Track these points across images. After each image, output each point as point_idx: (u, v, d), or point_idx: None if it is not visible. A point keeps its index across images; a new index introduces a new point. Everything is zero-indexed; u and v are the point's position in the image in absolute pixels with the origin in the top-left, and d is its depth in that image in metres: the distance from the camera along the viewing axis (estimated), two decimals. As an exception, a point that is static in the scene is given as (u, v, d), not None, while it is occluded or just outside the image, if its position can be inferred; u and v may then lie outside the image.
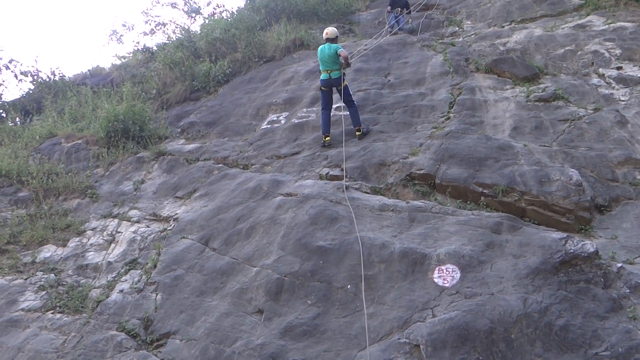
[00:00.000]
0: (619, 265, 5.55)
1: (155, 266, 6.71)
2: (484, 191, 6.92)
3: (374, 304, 5.58)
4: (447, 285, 5.55)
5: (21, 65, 14.73)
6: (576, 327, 4.98)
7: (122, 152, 9.82)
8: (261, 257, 6.44)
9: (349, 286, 5.78)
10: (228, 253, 6.71)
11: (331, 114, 9.01)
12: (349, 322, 5.45)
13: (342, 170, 7.92)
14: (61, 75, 14.64)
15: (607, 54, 9.81)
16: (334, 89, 8.94)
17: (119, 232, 7.63)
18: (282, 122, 10.19)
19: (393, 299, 5.55)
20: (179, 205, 8.11)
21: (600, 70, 9.52)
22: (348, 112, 8.96)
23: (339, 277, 5.91)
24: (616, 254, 5.84)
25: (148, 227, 7.64)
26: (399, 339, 5.11)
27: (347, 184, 7.41)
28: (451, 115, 8.87)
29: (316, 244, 6.30)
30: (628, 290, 5.29)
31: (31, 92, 14.03)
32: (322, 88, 8.96)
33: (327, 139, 8.80)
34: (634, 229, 6.29)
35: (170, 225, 7.57)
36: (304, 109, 10.36)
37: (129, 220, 7.89)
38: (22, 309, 6.34)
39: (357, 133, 8.76)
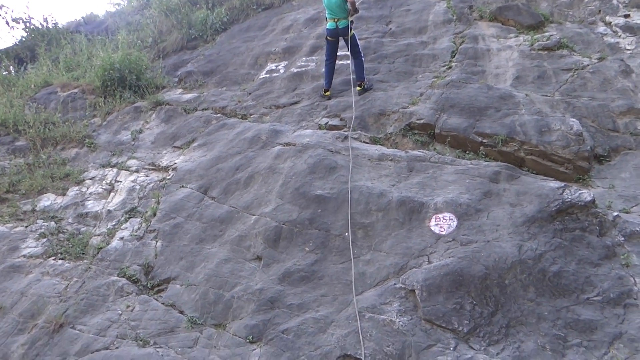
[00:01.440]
0: (615, 214, 5.58)
1: (154, 214, 6.76)
2: (484, 141, 6.87)
3: (371, 251, 5.65)
4: (443, 233, 5.60)
5: (12, 11, 14.35)
6: (569, 273, 5.06)
7: (119, 102, 9.71)
8: (260, 205, 6.48)
9: (346, 234, 5.83)
10: (227, 202, 6.75)
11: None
12: (346, 268, 5.54)
13: (341, 120, 7.86)
14: (54, 22, 14.30)
15: (614, 1, 9.53)
16: (341, 39, 8.44)
17: (118, 182, 7.65)
18: (281, 71, 10.02)
19: (390, 247, 5.61)
20: (177, 154, 8.09)
21: (607, 18, 9.27)
22: (353, 63, 8.50)
23: (336, 225, 5.96)
24: (613, 203, 5.87)
25: (147, 176, 7.65)
26: (394, 284, 5.20)
27: (347, 133, 7.36)
28: (453, 64, 8.70)
29: (314, 192, 6.32)
30: (622, 238, 5.34)
31: (24, 40, 13.72)
32: (327, 38, 8.42)
33: (327, 93, 8.49)
34: (632, 179, 6.29)
35: (169, 175, 7.58)
36: (304, 58, 10.16)
37: (128, 170, 7.90)
38: (24, 255, 6.43)
39: (358, 88, 8.37)
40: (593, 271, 5.09)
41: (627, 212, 5.76)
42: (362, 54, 8.53)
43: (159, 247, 6.26)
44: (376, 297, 5.12)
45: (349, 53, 8.55)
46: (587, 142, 6.59)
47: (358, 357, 4.63)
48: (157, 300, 5.59)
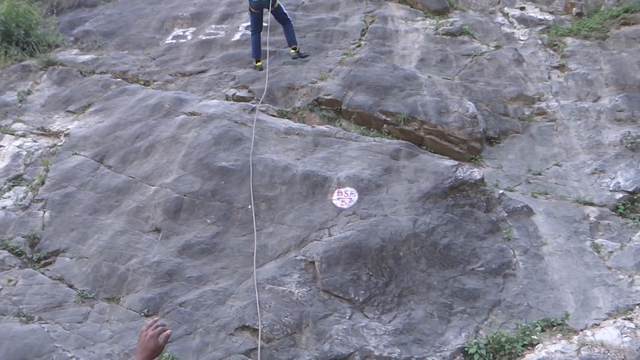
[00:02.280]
0: (501, 192, 6.03)
1: (43, 183, 6.27)
2: (387, 119, 7.09)
3: (274, 224, 5.67)
4: (345, 207, 5.74)
5: None
6: (458, 246, 5.42)
7: (3, 59, 8.81)
8: (160, 176, 6.23)
9: (249, 206, 5.79)
10: (125, 171, 6.42)
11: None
12: (248, 240, 5.51)
13: (249, 91, 7.73)
14: None
15: (512, -6, 10.13)
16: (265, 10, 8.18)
17: (1, 146, 6.98)
18: (189, 37, 9.60)
19: (292, 219, 5.66)
20: (70, 120, 7.53)
21: (505, 9, 9.85)
22: (284, 30, 8.41)
23: (240, 197, 5.90)
24: (499, 182, 6.33)
25: (35, 141, 7.06)
26: (295, 256, 5.27)
27: (255, 105, 7.25)
28: (362, 42, 8.83)
29: (218, 164, 6.19)
30: (506, 214, 5.79)
31: None
32: (251, 10, 8.12)
33: (258, 64, 8.23)
34: (517, 160, 6.81)
35: (61, 141, 7.04)
36: (213, 26, 9.81)
37: (13, 134, 7.23)
38: None
39: (292, 51, 8.32)
40: (479, 244, 5.49)
41: (511, 191, 6.25)
42: (290, 18, 8.49)
43: (47, 217, 5.83)
44: (277, 269, 5.16)
45: (266, 25, 8.41)
46: (481, 125, 7.02)
47: (256, 327, 4.67)
48: (43, 274, 5.22)
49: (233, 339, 4.64)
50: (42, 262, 5.39)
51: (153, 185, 6.11)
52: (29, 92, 8.08)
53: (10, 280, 5.07)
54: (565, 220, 5.76)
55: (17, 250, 5.44)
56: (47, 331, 4.61)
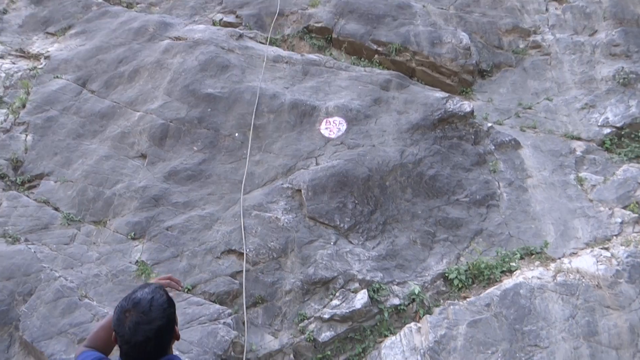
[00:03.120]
0: (489, 125, 6.01)
1: (24, 106, 6.12)
2: (379, 49, 6.91)
3: (261, 152, 5.63)
4: (332, 136, 5.69)
5: None
6: (444, 177, 5.45)
7: (-23, -25, 8.33)
8: (145, 101, 6.10)
9: (236, 134, 5.73)
10: (108, 96, 6.26)
11: None
12: (235, 168, 5.49)
13: (237, 17, 7.45)
14: None
15: None
16: None
17: (-21, 68, 6.74)
18: (174, -42, 9.10)
19: (280, 148, 5.62)
20: (50, 42, 7.25)
21: (506, -64, 9.41)
22: None
23: (227, 125, 5.82)
24: (489, 115, 6.30)
25: (14, 63, 6.82)
26: (282, 184, 5.28)
27: (242, 32, 7.01)
28: (355, -32, 8.44)
29: (205, 91, 6.05)
30: (493, 147, 5.80)
31: None
32: None
33: None
34: (508, 94, 6.74)
35: (41, 64, 6.81)
36: (199, -54, 9.28)
37: (-9, 56, 6.97)
38: None
39: None
40: (464, 176, 5.52)
41: (500, 124, 6.23)
42: None
43: (29, 141, 5.73)
44: (263, 196, 5.18)
45: None
46: (474, 57, 6.88)
47: (242, 251, 4.74)
48: (28, 197, 5.20)
49: (219, 261, 4.72)
50: (26, 185, 5.35)
51: (138, 111, 5.99)
52: (5, 11, 7.70)
53: (-6, 203, 5.05)
54: (552, 154, 5.79)
55: (0, 172, 5.37)
56: (34, 252, 4.64)
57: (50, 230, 4.90)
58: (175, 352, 2.03)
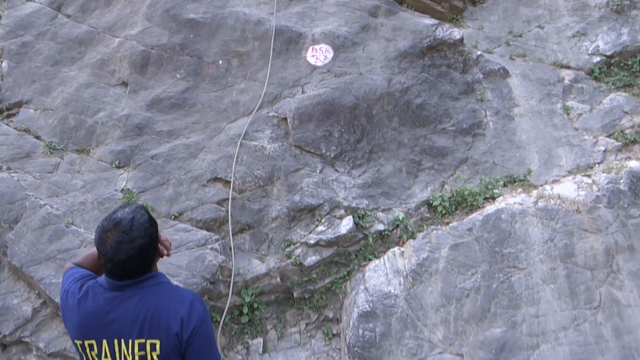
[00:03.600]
0: (479, 53, 5.90)
1: (-3, 31, 5.87)
2: (367, -27, 6.63)
3: (246, 80, 5.51)
4: (319, 64, 5.57)
5: None
6: (431, 105, 5.40)
7: None
8: (124, 27, 5.87)
9: (220, 62, 5.58)
10: (85, 21, 6.01)
11: None
12: (219, 96, 5.39)
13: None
14: None
15: None
16: None
17: (-53, -9, 6.39)
18: None
19: (265, 76, 5.50)
20: (22, -37, 6.85)
21: None
22: None
23: (210, 52, 5.64)
24: (478, 43, 6.17)
25: (-16, -14, 6.47)
26: (268, 112, 5.21)
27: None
28: None
29: (187, 16, 5.82)
30: (482, 76, 5.73)
31: None
32: None
33: None
34: (499, 22, 6.58)
35: (13, -14, 6.47)
36: None
37: (-41, -22, 6.58)
38: None
39: None
40: (452, 104, 5.48)
41: (489, 52, 6.12)
42: None
43: (5, 67, 5.53)
44: (249, 125, 5.12)
45: None
46: (465, -18, 6.65)
47: (228, 179, 4.74)
48: (7, 125, 5.09)
49: (206, 189, 4.73)
50: (5, 113, 5.22)
51: (117, 37, 5.77)
52: None
53: (-26, 131, 4.95)
54: (540, 83, 5.74)
55: (-23, 100, 5.23)
56: (17, 180, 4.60)
57: (32, 158, 4.84)
58: (161, 271, 2.06)
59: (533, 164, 5.02)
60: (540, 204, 4.37)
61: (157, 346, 1.82)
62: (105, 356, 1.86)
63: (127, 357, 1.83)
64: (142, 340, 1.82)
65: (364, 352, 3.70)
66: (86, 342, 1.87)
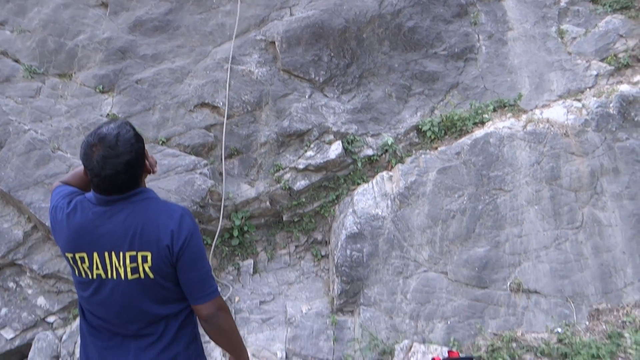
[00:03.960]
0: (474, -27, 5.67)
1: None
2: None
3: (232, 2, 5.30)
4: (308, -16, 5.33)
5: None
6: (423, 29, 5.25)
7: None
8: (101, -57, 5.54)
9: (204, -19, 5.32)
10: (60, -63, 5.65)
11: None
12: (205, 19, 5.20)
13: None
14: None
15: None
16: None
17: None
18: None
19: (251, -3, 5.29)
20: None
21: None
22: None
23: (193, -30, 5.37)
24: (474, -37, 5.92)
25: None
26: (255, 35, 5.05)
27: None
28: None
29: None
30: (476, -3, 5.54)
31: None
32: None
33: None
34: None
35: None
36: None
37: None
38: None
39: None
40: (444, 28, 5.33)
41: (485, -27, 5.88)
42: None
43: (-23, -13, 5.25)
44: (236, 49, 4.98)
45: None
46: None
47: (216, 104, 4.67)
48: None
49: (193, 115, 4.66)
50: (-19, 35, 5.02)
51: (94, -46, 5.46)
52: None
53: (-51, 55, 4.76)
54: (535, 5, 5.57)
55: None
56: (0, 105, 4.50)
57: (12, 83, 4.70)
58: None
59: (524, 88, 4.97)
60: (529, 127, 4.37)
61: (149, 258, 1.84)
62: (97, 268, 1.88)
63: (119, 268, 1.86)
64: (133, 253, 1.84)
65: (352, 271, 3.81)
66: (77, 255, 1.89)
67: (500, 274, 3.74)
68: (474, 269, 3.75)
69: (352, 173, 4.51)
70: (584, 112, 4.44)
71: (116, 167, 1.79)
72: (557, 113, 4.47)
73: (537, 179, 4.06)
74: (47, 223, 3.87)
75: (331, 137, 4.60)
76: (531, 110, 4.71)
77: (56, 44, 4.95)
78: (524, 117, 4.60)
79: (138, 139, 1.88)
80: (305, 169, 4.44)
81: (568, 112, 4.46)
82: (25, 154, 4.28)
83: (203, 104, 4.71)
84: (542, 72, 5.07)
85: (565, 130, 4.30)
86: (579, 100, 4.64)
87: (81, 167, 2.23)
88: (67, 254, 1.92)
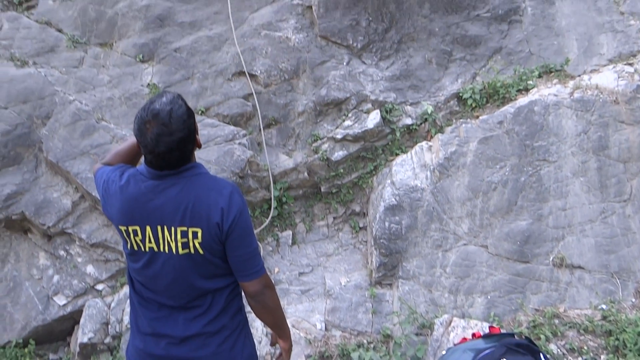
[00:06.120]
0: None
1: None
2: None
3: (268, -35, 5.18)
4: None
5: None
6: (465, -11, 5.04)
7: None
8: None
9: (240, -56, 5.21)
10: None
11: None
12: (241, -17, 5.12)
13: None
14: None
15: None
16: None
17: None
18: None
19: (288, -41, 5.15)
20: None
21: None
22: None
23: None
24: None
25: None
26: (292, 0, 4.95)
27: None
28: None
29: None
30: (522, -46, 5.24)
31: None
32: None
33: None
34: None
35: None
36: None
37: None
38: None
39: None
40: (488, -12, 5.10)
41: None
42: None
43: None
44: (272, 14, 4.91)
45: None
46: None
47: (253, 73, 4.65)
48: (28, 17, 4.98)
49: (231, 84, 4.67)
50: (24, 4, 5.07)
51: None
52: None
53: (-5, 25, 4.86)
54: (587, -39, 5.25)
55: (-5, -7, 5.08)
56: (45, 75, 4.60)
57: (56, 53, 4.79)
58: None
59: (572, 52, 4.75)
60: (576, 94, 4.20)
61: (199, 234, 1.89)
62: (150, 241, 1.94)
63: (170, 242, 1.92)
64: (185, 228, 1.89)
65: (390, 244, 3.84)
66: (130, 228, 1.95)
67: (542, 248, 3.69)
68: (516, 243, 3.71)
69: (390, 143, 4.47)
70: (636, 77, 4.23)
71: (169, 144, 1.83)
72: (607, 79, 4.27)
73: (583, 150, 3.93)
74: (94, 193, 4.01)
75: (369, 105, 4.55)
76: (579, 75, 4.52)
77: (97, 12, 4.98)
78: (571, 83, 4.42)
79: (190, 115, 1.90)
80: (343, 139, 4.42)
81: (619, 77, 4.25)
82: (71, 124, 4.40)
83: (241, 73, 4.70)
84: (591, 34, 4.82)
85: (615, 97, 4.11)
86: (631, 65, 4.42)
87: (121, 146, 2.29)
88: (120, 227, 1.99)
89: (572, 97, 4.15)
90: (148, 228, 1.92)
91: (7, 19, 4.89)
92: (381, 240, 3.85)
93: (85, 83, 4.64)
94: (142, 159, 2.01)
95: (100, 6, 5.01)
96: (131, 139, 2.23)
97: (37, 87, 4.53)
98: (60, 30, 4.91)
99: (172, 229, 1.90)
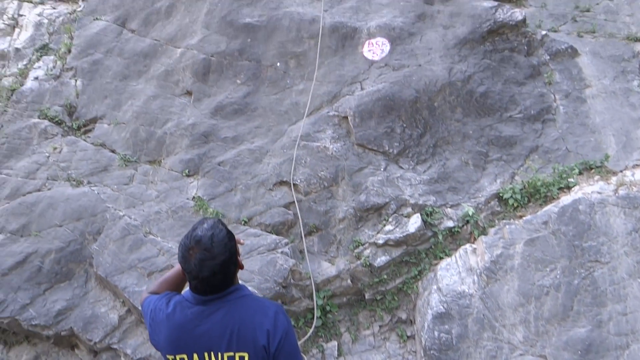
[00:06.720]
0: (543, 33, 5.62)
1: (69, 51, 6.19)
2: (421, -41, 6.44)
3: (304, 81, 5.54)
4: (376, 58, 5.50)
5: None
6: (495, 93, 5.22)
7: None
8: (185, 37, 6.04)
9: (278, 64, 5.63)
10: (149, 34, 6.23)
11: None
12: (279, 99, 5.45)
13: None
14: None
15: None
16: None
17: (22, 15, 6.80)
18: None
19: (323, 75, 5.50)
20: (85, -18, 7.17)
21: None
22: None
23: (267, 55, 5.71)
24: (542, 22, 5.88)
25: (54, 8, 6.83)
26: (328, 112, 5.21)
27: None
28: None
29: (243, 21, 5.91)
30: (548, 57, 5.46)
31: None
32: None
33: None
34: (564, -3, 6.23)
35: (80, 6, 6.80)
36: None
37: (31, 2, 6.99)
38: None
39: None
40: (517, 90, 5.27)
41: (555, 31, 5.82)
42: None
43: (79, 86, 5.84)
44: (310, 126, 5.15)
45: None
46: (525, -42, 6.33)
47: (294, 182, 4.80)
48: (85, 140, 5.38)
49: (272, 193, 4.81)
50: (82, 129, 5.52)
51: (179, 48, 5.95)
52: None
53: (55, 148, 5.26)
54: (612, 60, 5.40)
55: (57, 119, 5.55)
56: (98, 193, 4.87)
57: (109, 171, 5.10)
58: (240, 282, 2.12)
59: (610, 148, 4.75)
60: (621, 191, 4.13)
61: (246, 358, 1.88)
62: None
63: None
64: (231, 354, 1.88)
65: (442, 355, 3.67)
66: (178, 357, 1.95)
67: (606, 358, 3.46)
68: (577, 352, 3.49)
69: (433, 246, 4.43)
70: (682, 171, 4.15)
71: (213, 268, 1.88)
72: (651, 174, 4.21)
73: (637, 249, 3.79)
74: (139, 307, 4.05)
75: (409, 209, 4.58)
76: (621, 171, 4.47)
77: (147, 133, 5.35)
78: (613, 179, 4.37)
79: (231, 238, 1.96)
80: (385, 243, 4.41)
81: (663, 172, 4.19)
82: (121, 239, 4.57)
83: (281, 182, 4.86)
84: (628, 129, 4.84)
85: (663, 194, 4.03)
86: (674, 159, 4.36)
87: (166, 274, 2.35)
88: (168, 356, 1.99)
89: (617, 195, 4.09)
90: (195, 356, 1.93)
91: (66, 143, 5.30)
92: (431, 352, 3.69)
93: (134, 199, 4.87)
94: (187, 285, 2.06)
95: (150, 127, 5.39)
96: (176, 267, 2.29)
97: (90, 204, 4.78)
98: (113, 151, 5.27)
99: (219, 355, 1.90)
